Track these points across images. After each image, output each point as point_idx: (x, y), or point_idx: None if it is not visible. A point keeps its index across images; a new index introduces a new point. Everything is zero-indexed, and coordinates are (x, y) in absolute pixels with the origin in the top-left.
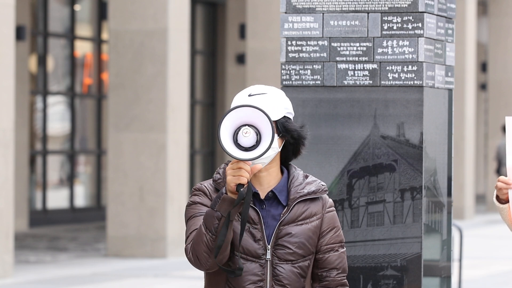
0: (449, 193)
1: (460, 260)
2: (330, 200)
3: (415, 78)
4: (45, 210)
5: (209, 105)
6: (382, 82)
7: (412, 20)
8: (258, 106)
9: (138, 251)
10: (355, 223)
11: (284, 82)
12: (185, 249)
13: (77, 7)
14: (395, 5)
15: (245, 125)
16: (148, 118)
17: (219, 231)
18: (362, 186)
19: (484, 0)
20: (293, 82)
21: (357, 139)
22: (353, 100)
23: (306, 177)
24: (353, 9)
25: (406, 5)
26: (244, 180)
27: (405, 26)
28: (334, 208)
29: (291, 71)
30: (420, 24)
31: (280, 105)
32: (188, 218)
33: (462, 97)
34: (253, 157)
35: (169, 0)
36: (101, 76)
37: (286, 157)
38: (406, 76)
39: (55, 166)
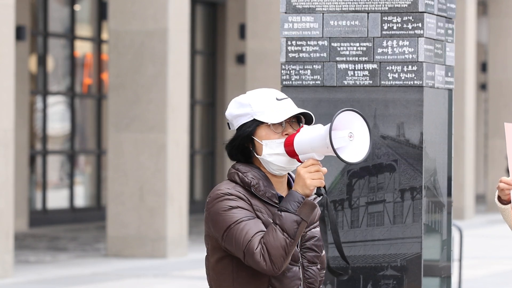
0: (449, 193)
1: (460, 260)
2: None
3: (415, 78)
4: (45, 210)
5: (209, 105)
6: (382, 82)
7: (412, 20)
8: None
9: (138, 251)
10: (355, 223)
11: (284, 82)
12: (250, 253)
13: (77, 7)
14: (395, 5)
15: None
16: (148, 118)
17: (298, 235)
18: (362, 186)
19: (484, 0)
20: (293, 82)
21: None
22: (353, 100)
23: None
24: (353, 9)
25: (406, 5)
26: (323, 183)
27: (405, 26)
28: None
29: (291, 71)
30: (420, 24)
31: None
32: (233, 223)
33: (462, 97)
34: (359, 160)
35: (169, 0)
36: (101, 76)
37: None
38: (406, 76)
39: (55, 166)
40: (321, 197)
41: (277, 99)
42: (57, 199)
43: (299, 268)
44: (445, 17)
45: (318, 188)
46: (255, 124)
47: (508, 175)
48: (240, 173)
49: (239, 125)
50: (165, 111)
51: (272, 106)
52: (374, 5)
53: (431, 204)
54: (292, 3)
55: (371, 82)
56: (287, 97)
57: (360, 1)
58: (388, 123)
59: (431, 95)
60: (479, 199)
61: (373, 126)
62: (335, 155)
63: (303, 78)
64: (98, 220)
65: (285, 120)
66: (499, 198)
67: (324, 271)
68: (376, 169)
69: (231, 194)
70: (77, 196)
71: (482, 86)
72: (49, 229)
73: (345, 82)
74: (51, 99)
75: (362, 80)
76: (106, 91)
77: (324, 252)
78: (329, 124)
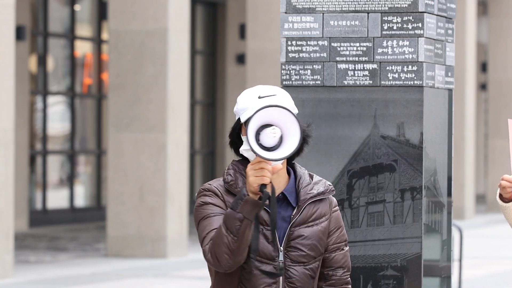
0: (449, 193)
1: (460, 260)
2: (335, 199)
3: (415, 78)
4: (45, 210)
5: (209, 105)
6: (382, 82)
7: (412, 20)
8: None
9: (138, 251)
10: (355, 223)
11: (284, 82)
12: (203, 250)
13: (77, 7)
14: (395, 5)
15: (268, 125)
16: (148, 118)
17: (240, 233)
18: (362, 186)
19: (484, 0)
20: (293, 82)
21: (357, 139)
22: (353, 100)
23: (311, 176)
24: (353, 9)
25: (406, 5)
26: (267, 180)
27: (405, 26)
28: (338, 207)
29: (291, 71)
30: (420, 24)
31: (291, 106)
32: (201, 219)
33: (462, 97)
34: (282, 156)
35: (169, 0)
36: (101, 76)
37: (291, 157)
38: (406, 76)
39: (55, 166)
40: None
41: (259, 97)
42: (57, 199)
43: (276, 267)
44: (445, 17)
45: (263, 185)
46: (239, 121)
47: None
48: (225, 170)
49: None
50: (165, 111)
51: (253, 104)
52: (374, 5)
53: (431, 204)
54: (292, 3)
55: (371, 82)
56: (275, 94)
57: (360, 1)
58: (388, 123)
59: (431, 95)
60: (479, 199)
61: (373, 126)
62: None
63: (303, 78)
64: (98, 220)
65: None
66: (500, 196)
67: (344, 271)
68: (376, 169)
69: (209, 190)
70: (77, 196)
71: (482, 86)
72: (49, 229)
73: (345, 82)
74: (51, 99)
75: (362, 80)
76: (106, 91)
77: (342, 251)
78: (251, 122)
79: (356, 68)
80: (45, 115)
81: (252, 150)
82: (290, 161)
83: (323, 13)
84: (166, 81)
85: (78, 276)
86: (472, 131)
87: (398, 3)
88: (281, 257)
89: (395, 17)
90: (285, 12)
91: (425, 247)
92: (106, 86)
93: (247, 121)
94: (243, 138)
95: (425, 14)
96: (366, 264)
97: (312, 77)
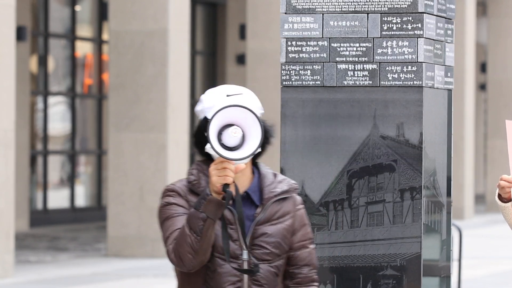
0: (449, 193)
1: (459, 260)
2: (299, 198)
3: (414, 78)
4: (45, 210)
5: None
6: (382, 82)
7: (412, 20)
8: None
9: (138, 251)
10: (355, 223)
11: (284, 83)
12: (166, 250)
13: (77, 8)
14: (395, 6)
15: (231, 125)
16: (149, 118)
17: (204, 232)
18: (362, 186)
19: (483, 0)
20: (293, 83)
21: (357, 139)
22: (353, 100)
23: (275, 175)
24: (353, 9)
25: (406, 6)
26: (230, 180)
27: (404, 26)
28: (303, 205)
29: (291, 72)
30: (419, 25)
31: (257, 105)
32: (164, 219)
33: (462, 98)
34: (244, 156)
35: (169, 0)
36: (102, 77)
37: (255, 156)
38: (406, 76)
39: (55, 166)
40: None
41: (227, 95)
42: (57, 199)
43: (240, 265)
44: (445, 18)
45: (226, 185)
46: (205, 120)
47: None
48: (189, 169)
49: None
50: (165, 111)
51: (219, 102)
52: (374, 6)
53: (430, 204)
54: (292, 4)
55: (370, 82)
56: (241, 93)
57: (360, 1)
58: (388, 123)
59: (431, 96)
60: (479, 199)
61: (373, 126)
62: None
63: (303, 78)
64: (99, 220)
65: None
66: (499, 196)
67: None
68: (376, 169)
69: (173, 190)
70: (77, 196)
71: (482, 87)
72: (50, 229)
73: (345, 83)
74: (51, 100)
75: (362, 80)
76: (107, 91)
77: (307, 249)
78: (213, 121)
79: (356, 69)
80: (46, 115)
81: (214, 150)
82: (254, 160)
83: (323, 14)
84: (166, 81)
85: (78, 276)
86: (472, 131)
87: (398, 4)
88: (245, 255)
89: (394, 18)
90: (285, 13)
91: (425, 247)
92: (107, 86)
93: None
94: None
95: (424, 14)
96: (366, 264)
97: (312, 78)
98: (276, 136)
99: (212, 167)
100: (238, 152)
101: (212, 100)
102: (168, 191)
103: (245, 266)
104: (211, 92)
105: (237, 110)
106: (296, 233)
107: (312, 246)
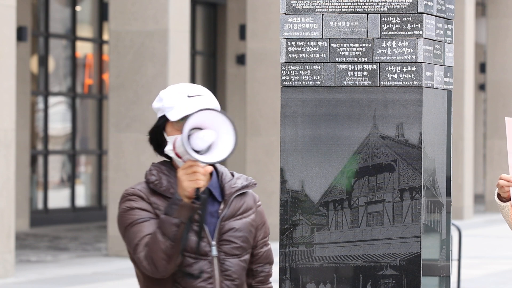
0: (448, 193)
1: (459, 259)
2: (257, 195)
3: (414, 78)
4: (46, 210)
5: None
6: (382, 82)
7: (411, 21)
8: (214, 108)
9: None
10: (355, 223)
11: (284, 83)
12: (137, 257)
13: (78, 8)
14: (394, 6)
15: (198, 128)
16: (149, 119)
17: (178, 238)
18: (362, 186)
19: (483, 1)
20: (293, 83)
21: (356, 139)
22: (352, 100)
23: (231, 172)
24: (353, 10)
25: (405, 6)
26: (202, 184)
27: (404, 27)
28: (260, 202)
29: (291, 72)
30: (419, 25)
31: (218, 106)
32: (128, 225)
33: (461, 98)
34: (220, 159)
35: (170, 1)
36: (102, 77)
37: None
38: (405, 76)
39: (56, 166)
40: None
41: (188, 96)
42: (58, 199)
43: (210, 262)
44: (444, 18)
45: (198, 189)
46: (164, 119)
47: None
48: (147, 171)
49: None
50: None
51: (181, 102)
52: (373, 6)
53: (430, 204)
54: (291, 4)
55: (370, 82)
56: (202, 94)
57: (360, 2)
58: (388, 123)
59: (430, 96)
60: (478, 199)
61: (373, 126)
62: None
63: (303, 78)
64: (99, 220)
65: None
66: (498, 195)
67: (271, 266)
68: (376, 169)
69: (133, 194)
70: (78, 196)
71: (481, 87)
72: (50, 228)
73: (345, 83)
74: (52, 100)
75: (362, 80)
76: (107, 92)
77: (268, 247)
78: (187, 125)
79: (356, 69)
80: (46, 115)
81: (189, 155)
82: None
83: (322, 14)
84: (167, 82)
85: (79, 275)
86: (471, 131)
87: (397, 4)
88: (214, 252)
89: (394, 18)
90: (285, 13)
91: (424, 246)
92: (107, 87)
93: (175, 122)
94: (168, 138)
95: (424, 15)
96: (366, 264)
97: (311, 78)
98: (276, 136)
99: (181, 172)
100: (211, 155)
101: (173, 100)
102: (129, 195)
103: (215, 263)
104: (171, 91)
105: (209, 114)
106: (259, 230)
107: (269, 243)
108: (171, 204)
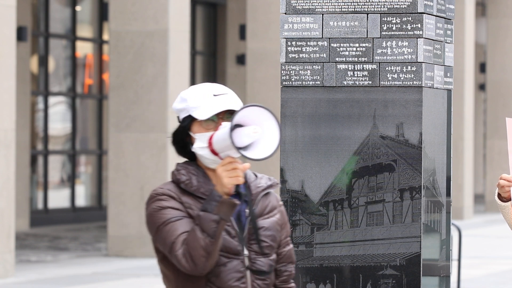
0: (448, 193)
1: (459, 259)
2: (278, 195)
3: (414, 78)
4: (46, 210)
5: None
6: (382, 82)
7: (411, 20)
8: (263, 106)
9: (138, 250)
10: (355, 222)
11: (284, 83)
12: (175, 255)
13: (78, 8)
14: (394, 6)
15: (238, 125)
16: (149, 118)
17: (217, 234)
18: (362, 185)
19: (482, 1)
20: (293, 83)
21: (356, 139)
22: (352, 100)
23: (254, 173)
24: (353, 10)
25: (405, 6)
26: (242, 180)
27: (404, 26)
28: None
29: (291, 72)
30: (419, 25)
31: (241, 104)
32: (161, 224)
33: (461, 98)
34: (267, 155)
35: (170, 1)
36: (102, 77)
37: None
38: (405, 76)
39: (56, 166)
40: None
41: (214, 95)
42: (58, 199)
43: (242, 261)
44: (444, 18)
45: (238, 185)
46: (190, 119)
47: None
48: (175, 171)
49: (181, 120)
50: (165, 111)
51: (207, 101)
52: (373, 6)
53: (430, 204)
54: (292, 4)
55: (370, 82)
56: (226, 92)
57: (360, 2)
58: (388, 123)
59: (430, 96)
60: (478, 199)
61: (373, 126)
62: (240, 153)
63: (303, 78)
64: (99, 220)
65: (219, 117)
66: (499, 195)
67: (293, 266)
68: (376, 169)
69: (163, 194)
70: (78, 196)
71: (481, 87)
72: (50, 228)
73: (345, 83)
74: (52, 100)
75: (362, 80)
76: (107, 92)
77: (290, 246)
78: (230, 123)
79: (356, 69)
80: (46, 115)
81: (235, 151)
82: None
83: (322, 14)
84: (167, 82)
85: (79, 275)
86: (471, 131)
87: (397, 4)
88: (246, 251)
89: (394, 18)
90: (285, 13)
91: (424, 246)
92: (107, 87)
93: (203, 121)
94: (197, 135)
95: (424, 15)
96: (366, 264)
97: (311, 78)
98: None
99: (221, 168)
100: (257, 152)
101: (199, 100)
102: (158, 195)
103: (246, 262)
104: (194, 91)
105: (255, 110)
106: (282, 229)
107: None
108: (210, 201)
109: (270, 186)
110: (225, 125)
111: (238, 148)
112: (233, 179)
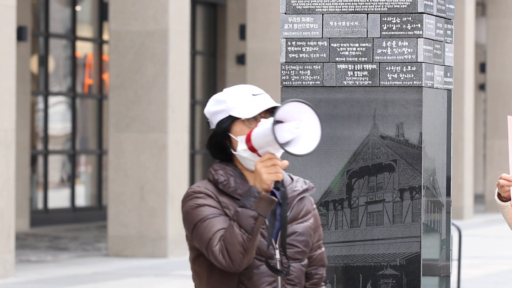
0: (448, 193)
1: (459, 259)
2: (312, 198)
3: (414, 78)
4: (46, 210)
5: None
6: (382, 82)
7: (411, 20)
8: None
9: (138, 250)
10: (355, 222)
11: (284, 83)
12: (212, 251)
13: (78, 8)
14: (394, 6)
15: (279, 121)
16: (149, 118)
17: (255, 231)
18: (362, 185)
19: (482, 1)
20: (293, 83)
21: (356, 139)
22: (352, 100)
23: (290, 176)
24: (353, 9)
25: (405, 6)
26: (281, 177)
27: (404, 26)
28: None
29: (291, 72)
30: (419, 25)
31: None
32: (198, 221)
33: (461, 98)
34: (309, 151)
35: (170, 1)
36: (102, 77)
37: None
38: (405, 76)
39: (56, 166)
40: (280, 191)
41: (253, 95)
42: (58, 199)
43: (274, 265)
44: (444, 18)
45: (277, 182)
46: (231, 120)
47: None
48: (212, 171)
49: (216, 122)
50: (165, 111)
51: (247, 101)
52: (373, 6)
53: (430, 204)
54: (292, 4)
55: (370, 82)
56: (263, 92)
57: (360, 1)
58: (388, 123)
59: (430, 96)
60: (478, 199)
61: (373, 126)
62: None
63: (303, 78)
64: (99, 220)
65: (260, 115)
66: (499, 195)
67: (325, 269)
68: (376, 169)
69: (200, 192)
70: (78, 196)
71: (481, 87)
72: (50, 228)
73: (345, 83)
74: (52, 100)
75: (362, 80)
76: (107, 92)
77: (322, 249)
78: (272, 118)
79: (356, 69)
80: (46, 115)
81: (281, 147)
82: None
83: (322, 14)
84: (167, 82)
85: (79, 275)
86: (471, 131)
87: (397, 4)
88: (278, 255)
89: (394, 18)
90: (285, 13)
91: (424, 246)
92: (107, 87)
93: (247, 120)
94: (239, 138)
95: (424, 14)
96: (366, 264)
97: (311, 78)
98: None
99: (260, 164)
100: (300, 147)
101: (239, 100)
102: (195, 193)
103: (278, 266)
104: (232, 92)
105: (297, 106)
106: (316, 233)
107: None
108: (248, 197)
109: (306, 190)
110: (264, 122)
111: (281, 144)
112: (273, 175)
